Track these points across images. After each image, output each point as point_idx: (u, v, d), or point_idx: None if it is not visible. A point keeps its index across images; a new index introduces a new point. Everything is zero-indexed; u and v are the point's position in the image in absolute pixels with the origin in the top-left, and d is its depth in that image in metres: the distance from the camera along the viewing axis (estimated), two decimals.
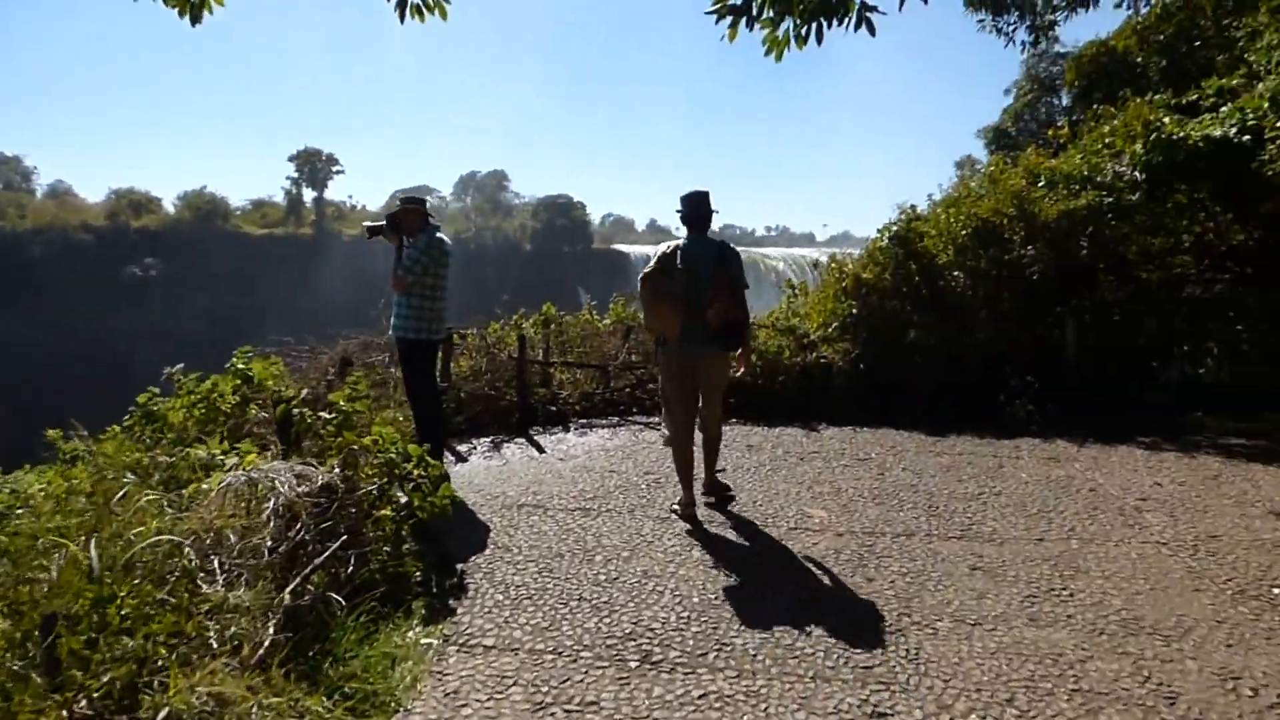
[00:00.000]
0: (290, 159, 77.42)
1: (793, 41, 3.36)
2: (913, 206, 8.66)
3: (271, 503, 2.79)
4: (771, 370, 7.18)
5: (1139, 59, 16.35)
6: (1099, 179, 6.79)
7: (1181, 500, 4.58)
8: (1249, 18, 9.60)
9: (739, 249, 4.46)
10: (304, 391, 4.69)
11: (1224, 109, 6.81)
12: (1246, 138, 6.37)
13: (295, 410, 3.78)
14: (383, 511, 3.62)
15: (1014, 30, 13.70)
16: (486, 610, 3.25)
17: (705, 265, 4.09)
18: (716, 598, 3.33)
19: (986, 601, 3.25)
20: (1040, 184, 7.23)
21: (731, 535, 4.10)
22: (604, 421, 7.02)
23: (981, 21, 13.78)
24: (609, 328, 8.49)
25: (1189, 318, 7.40)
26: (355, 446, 3.61)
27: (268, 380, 4.99)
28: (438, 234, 5.05)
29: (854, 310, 7.37)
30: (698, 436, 4.49)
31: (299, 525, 2.85)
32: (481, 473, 5.43)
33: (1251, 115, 6.51)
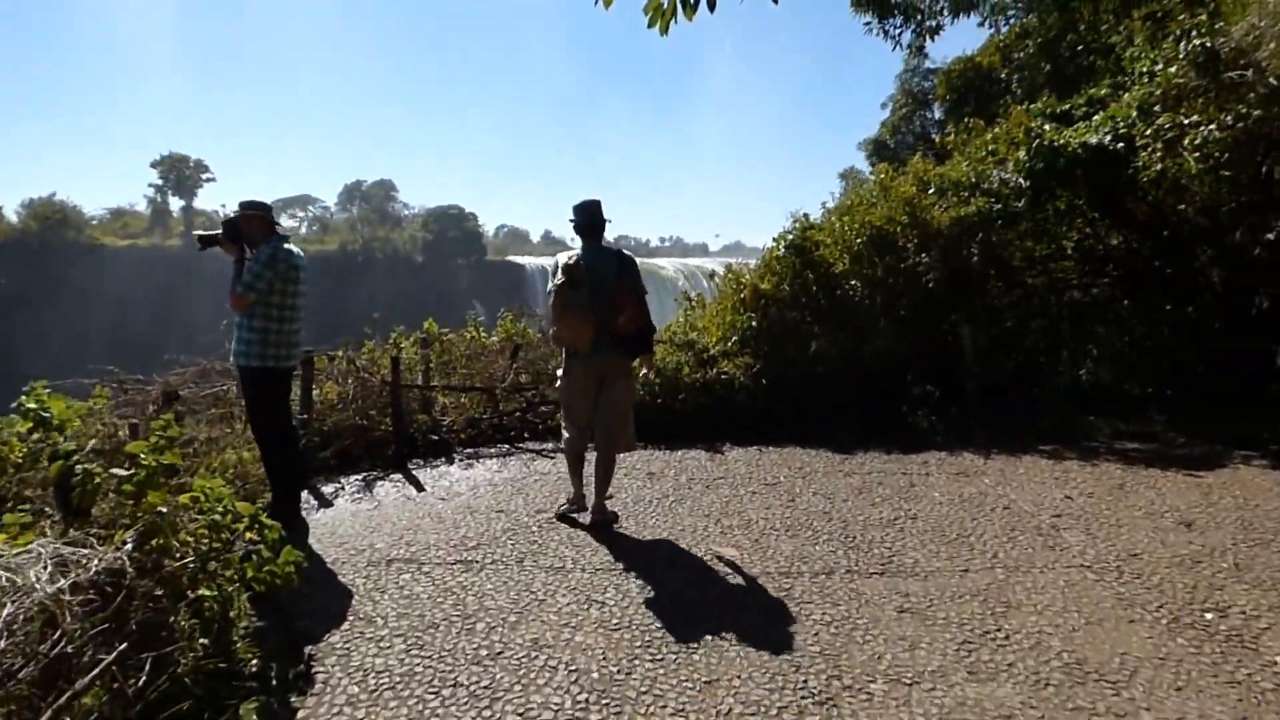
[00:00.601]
0: (153, 165, 71.85)
1: (679, 10, 2.87)
2: (806, 215, 8.52)
3: (9, 607, 2.06)
4: (671, 388, 6.78)
5: (1002, 74, 17.21)
6: (986, 186, 6.81)
7: (1095, 515, 4.45)
8: (1126, 23, 9.98)
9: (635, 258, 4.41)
10: (93, 442, 3.85)
11: (1096, 117, 6.96)
12: (1120, 145, 6.50)
13: (81, 467, 2.99)
14: (203, 591, 2.91)
15: (900, 34, 14.01)
16: (337, 709, 2.62)
17: (607, 273, 4.17)
18: (619, 671, 2.82)
19: (920, 653, 2.90)
20: (930, 191, 7.20)
21: (634, 585, 3.60)
22: (492, 450, 6.40)
23: (868, 24, 14.02)
24: (496, 346, 7.87)
25: (1072, 321, 7.56)
26: (164, 510, 2.88)
27: (73, 422, 4.11)
28: (285, 245, 4.30)
29: (753, 323, 7.09)
30: (600, 456, 4.38)
31: (59, 632, 2.13)
32: (348, 519, 4.71)
33: (1122, 123, 6.67)
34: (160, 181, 71.04)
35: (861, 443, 6.33)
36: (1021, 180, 6.62)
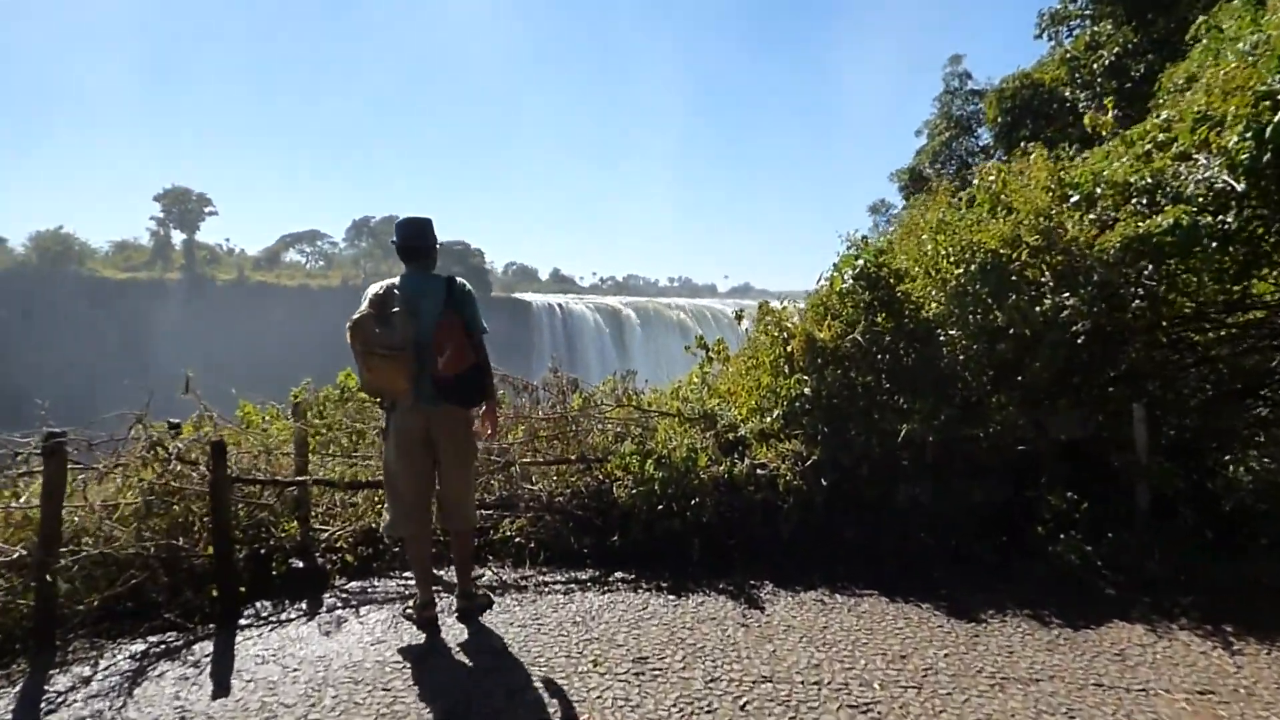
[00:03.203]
0: (156, 198, 71.14)
1: None
2: (864, 238, 6.25)
3: None
4: (681, 491, 4.39)
5: (1066, 92, 15.02)
6: (1175, 188, 4.44)
7: None
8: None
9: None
10: None
11: None
12: None
13: None
14: None
15: None
16: None
17: (430, 305, 3.43)
18: None
19: None
20: (1073, 200, 4.85)
21: None
22: (394, 584, 4.01)
23: None
24: None
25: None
26: None
27: None
28: None
29: (806, 389, 4.69)
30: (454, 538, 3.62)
31: None
32: None
33: None
34: (162, 214, 70.04)
35: (985, 588, 3.92)
36: (1233, 182, 4.26)
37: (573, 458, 4.76)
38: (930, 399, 4.54)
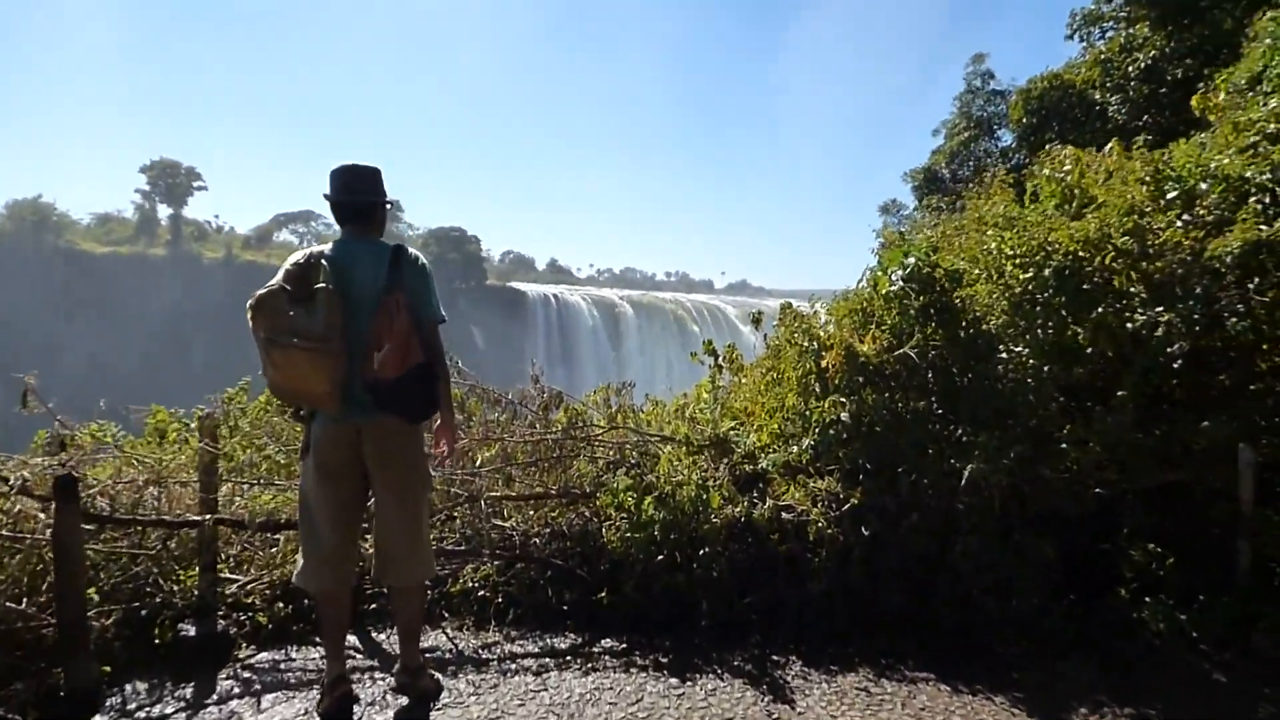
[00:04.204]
0: (142, 170, 69.28)
1: None
2: (901, 234, 5.44)
3: None
4: (687, 537, 3.54)
5: (1097, 95, 14.20)
6: None
7: None
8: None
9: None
10: None
11: None
12: None
13: None
14: None
15: None
16: None
17: (367, 282, 2.59)
18: None
19: None
20: (1170, 196, 4.01)
21: None
22: (318, 655, 3.14)
23: None
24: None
25: None
26: None
27: None
28: None
29: (843, 414, 3.83)
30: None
31: None
32: None
33: None
34: (148, 187, 68.25)
35: (1062, 670, 3.11)
36: None
37: (554, 490, 3.89)
38: (996, 431, 3.70)
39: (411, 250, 2.76)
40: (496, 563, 3.68)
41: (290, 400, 2.73)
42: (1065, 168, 4.37)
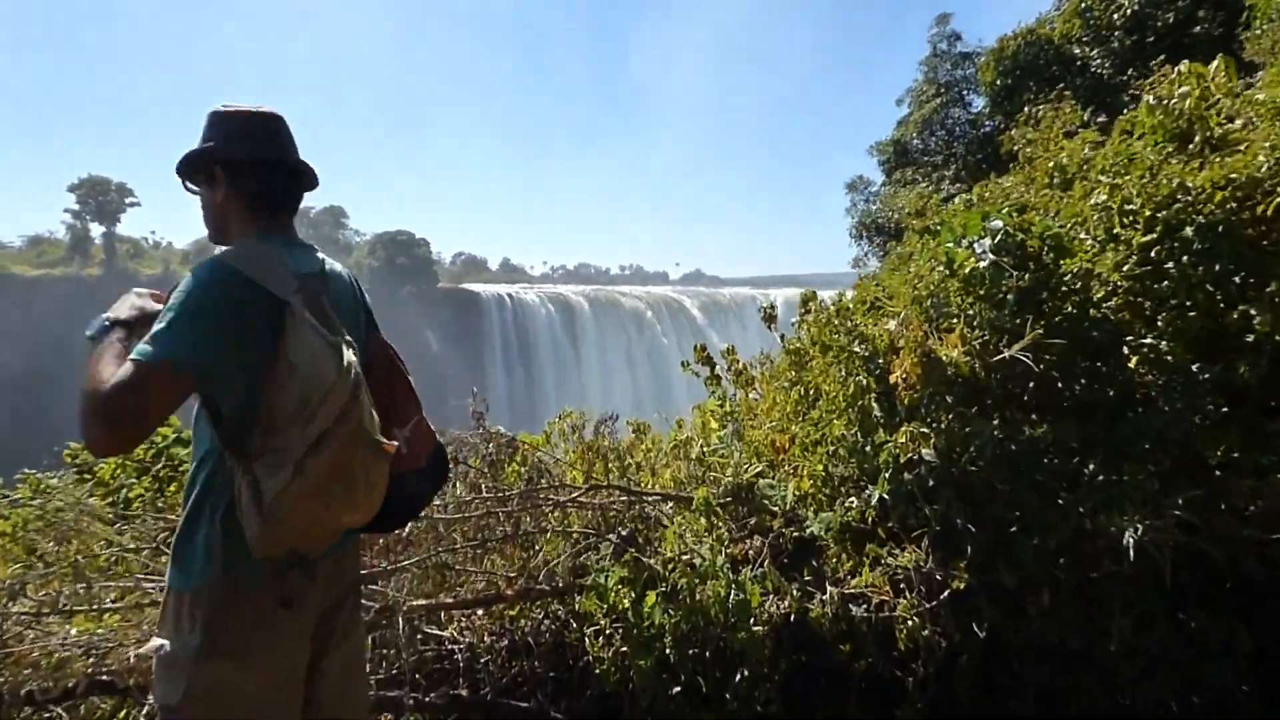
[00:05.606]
0: (70, 188, 65.82)
1: None
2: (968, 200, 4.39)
3: None
4: (712, 651, 2.32)
5: (1076, 50, 13.32)
6: None
7: None
8: None
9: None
10: None
11: None
12: None
13: None
14: None
15: None
16: None
17: (352, 316, 1.77)
18: None
19: None
20: None
21: None
22: None
23: None
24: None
25: None
26: None
27: None
28: None
29: (924, 449, 2.64)
30: None
31: None
32: None
33: None
34: (78, 206, 64.88)
35: None
36: None
37: (509, 591, 2.61)
38: (1149, 465, 2.55)
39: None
40: (427, 711, 2.40)
41: (286, 548, 1.46)
42: (1181, 89, 3.23)
